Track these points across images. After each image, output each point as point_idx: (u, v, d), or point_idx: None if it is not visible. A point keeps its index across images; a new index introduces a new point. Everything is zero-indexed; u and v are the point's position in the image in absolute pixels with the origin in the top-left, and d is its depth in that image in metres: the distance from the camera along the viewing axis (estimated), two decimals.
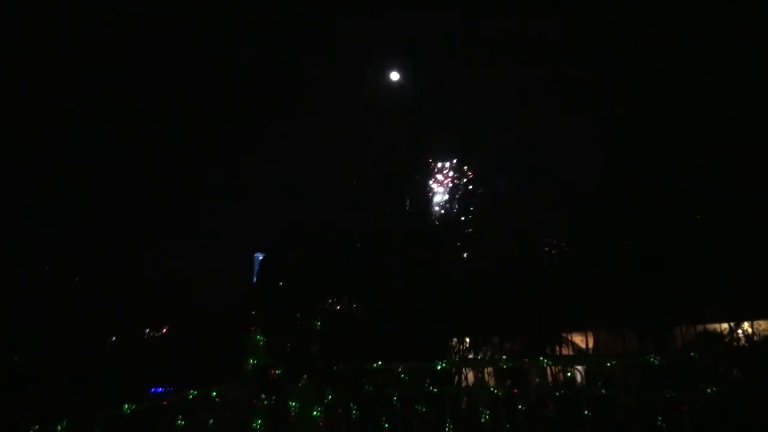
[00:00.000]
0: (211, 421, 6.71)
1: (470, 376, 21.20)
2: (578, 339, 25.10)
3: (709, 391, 6.22)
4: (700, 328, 23.14)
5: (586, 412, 6.00)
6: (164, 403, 6.56)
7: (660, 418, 5.65)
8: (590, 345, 24.88)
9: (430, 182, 26.60)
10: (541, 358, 8.26)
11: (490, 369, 16.24)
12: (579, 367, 14.07)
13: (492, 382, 20.82)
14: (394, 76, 26.39)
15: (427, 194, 26.23)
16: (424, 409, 7.34)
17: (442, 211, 26.42)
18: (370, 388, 7.31)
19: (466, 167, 26.54)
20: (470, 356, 22.77)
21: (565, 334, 23.98)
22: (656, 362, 6.28)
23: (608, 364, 7.17)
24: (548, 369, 11.19)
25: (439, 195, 26.59)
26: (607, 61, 26.05)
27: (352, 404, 7.26)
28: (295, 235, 25.60)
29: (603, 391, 5.79)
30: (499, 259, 23.35)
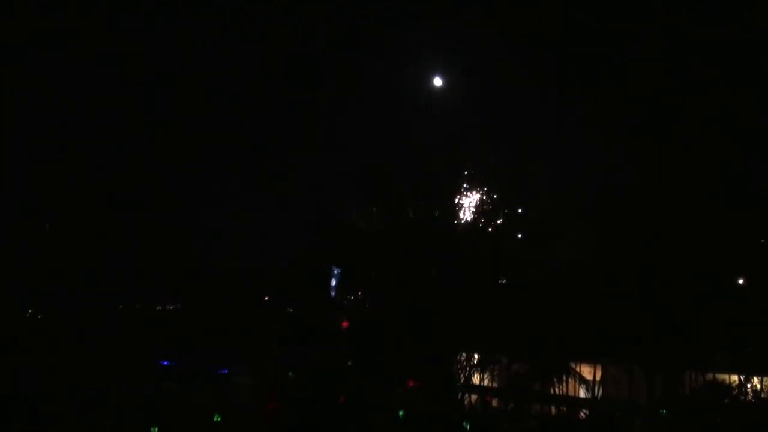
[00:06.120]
0: None
1: (473, 396, 21.46)
2: (586, 371, 25.06)
3: None
4: (709, 376, 22.99)
5: None
6: None
7: None
8: (597, 378, 24.92)
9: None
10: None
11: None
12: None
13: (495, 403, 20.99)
14: (437, 81, 25.99)
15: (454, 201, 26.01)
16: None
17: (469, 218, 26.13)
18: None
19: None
20: (476, 374, 22.98)
21: (573, 364, 23.93)
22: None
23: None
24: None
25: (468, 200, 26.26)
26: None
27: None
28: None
29: None
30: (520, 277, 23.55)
